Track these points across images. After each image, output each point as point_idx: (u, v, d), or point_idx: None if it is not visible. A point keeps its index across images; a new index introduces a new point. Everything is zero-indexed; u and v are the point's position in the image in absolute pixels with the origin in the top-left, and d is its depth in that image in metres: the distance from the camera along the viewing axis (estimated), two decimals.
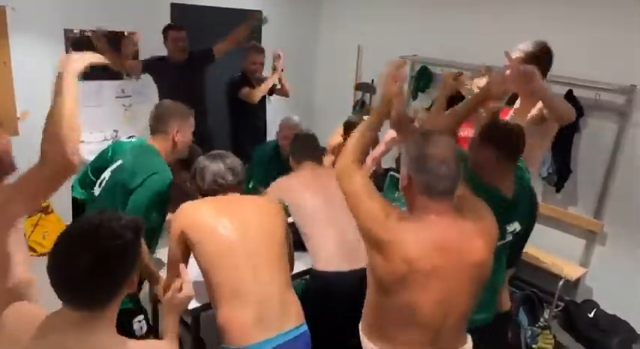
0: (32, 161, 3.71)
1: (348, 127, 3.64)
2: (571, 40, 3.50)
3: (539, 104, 2.27)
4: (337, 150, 3.66)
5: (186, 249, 1.86)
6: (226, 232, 1.84)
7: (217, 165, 1.99)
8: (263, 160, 3.47)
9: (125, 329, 1.55)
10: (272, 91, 4.23)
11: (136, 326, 2.06)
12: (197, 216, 1.87)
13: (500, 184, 1.90)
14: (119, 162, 2.19)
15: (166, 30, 3.83)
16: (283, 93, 4.27)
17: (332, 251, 2.30)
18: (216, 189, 1.98)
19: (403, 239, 1.42)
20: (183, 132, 2.23)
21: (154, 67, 3.87)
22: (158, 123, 2.23)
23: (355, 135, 1.70)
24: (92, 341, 1.09)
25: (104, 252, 1.07)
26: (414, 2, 4.57)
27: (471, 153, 1.93)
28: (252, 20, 4.11)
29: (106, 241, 1.08)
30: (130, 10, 4.15)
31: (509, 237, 1.99)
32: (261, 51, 4.07)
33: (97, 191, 2.24)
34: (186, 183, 2.26)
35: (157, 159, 2.16)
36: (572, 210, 3.69)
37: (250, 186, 3.31)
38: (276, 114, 5.47)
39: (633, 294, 3.44)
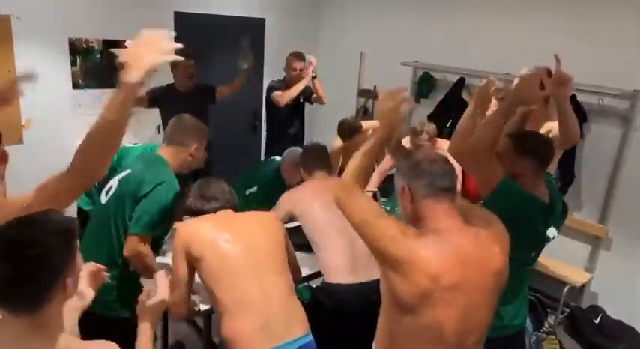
0: (37, 168, 3.75)
1: (342, 127, 3.68)
2: (574, 46, 3.51)
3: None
4: (338, 153, 3.68)
5: (190, 267, 1.88)
6: (227, 245, 1.87)
7: (219, 184, 2.10)
8: (265, 182, 3.32)
9: (131, 338, 1.55)
10: (309, 98, 4.23)
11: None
12: (197, 232, 1.91)
13: (537, 191, 1.91)
14: (128, 171, 2.21)
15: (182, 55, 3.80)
16: (319, 99, 4.24)
17: (343, 263, 2.29)
18: (217, 207, 2.05)
19: (425, 255, 1.37)
20: (201, 149, 2.31)
21: (159, 98, 3.81)
22: (178, 136, 2.26)
23: (355, 162, 1.64)
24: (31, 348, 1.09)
25: (19, 261, 1.05)
26: (416, 9, 4.59)
27: (505, 165, 1.89)
28: (246, 71, 4.04)
29: (21, 250, 1.06)
30: (134, 18, 4.17)
31: (546, 244, 2.04)
32: (301, 58, 4.08)
33: (103, 199, 2.24)
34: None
35: (164, 169, 2.19)
36: (576, 216, 3.68)
37: (247, 193, 3.23)
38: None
39: (639, 300, 3.42)
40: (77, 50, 3.98)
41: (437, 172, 1.45)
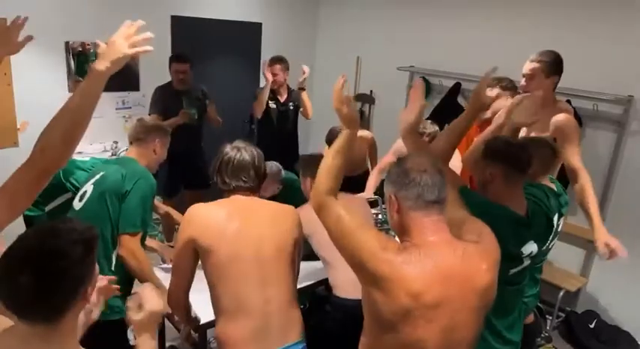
0: None
1: (332, 134, 3.68)
2: (569, 51, 3.52)
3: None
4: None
5: (195, 256, 1.79)
6: (239, 242, 1.76)
7: (243, 158, 1.88)
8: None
9: (121, 338, 1.54)
10: (297, 110, 4.23)
11: (130, 336, 2.06)
12: (209, 220, 1.78)
13: (509, 202, 1.79)
14: (101, 173, 2.29)
15: (170, 60, 3.90)
16: (304, 113, 4.23)
17: (351, 278, 2.26)
18: (238, 189, 1.88)
19: (406, 271, 1.30)
20: (163, 144, 2.47)
21: (160, 98, 3.90)
22: (139, 134, 2.43)
23: (325, 163, 1.60)
24: None
25: (46, 272, 1.02)
26: (412, 14, 4.61)
27: (474, 174, 1.87)
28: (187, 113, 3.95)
29: (48, 261, 1.03)
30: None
31: (527, 261, 1.87)
32: (275, 62, 4.05)
33: (77, 205, 2.28)
34: None
35: (138, 166, 2.33)
36: (571, 220, 3.68)
37: None
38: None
39: (634, 305, 3.43)
40: (73, 53, 3.97)
41: (426, 184, 1.36)
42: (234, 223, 1.78)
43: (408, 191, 1.37)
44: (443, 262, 1.33)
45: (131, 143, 2.44)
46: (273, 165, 3.15)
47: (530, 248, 1.83)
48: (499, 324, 1.82)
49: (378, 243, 1.36)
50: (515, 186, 1.83)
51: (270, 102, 4.07)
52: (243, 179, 1.86)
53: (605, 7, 3.37)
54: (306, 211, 2.31)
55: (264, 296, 1.76)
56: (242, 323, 1.74)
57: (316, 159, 2.63)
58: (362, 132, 3.81)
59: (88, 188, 2.27)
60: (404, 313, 1.31)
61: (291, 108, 4.17)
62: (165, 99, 3.86)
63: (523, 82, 2.53)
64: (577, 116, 3.47)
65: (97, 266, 1.16)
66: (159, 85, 3.99)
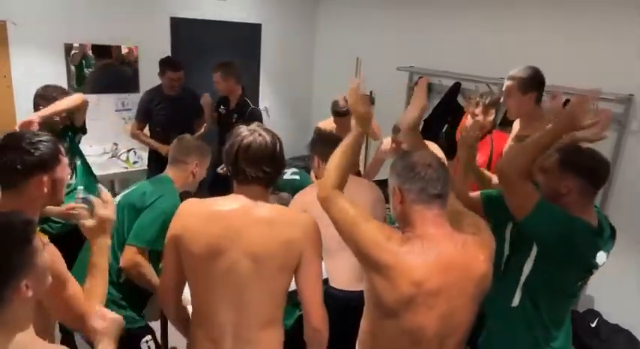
0: None
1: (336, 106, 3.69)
2: (569, 51, 3.53)
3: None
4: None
5: (178, 256, 1.57)
6: (216, 248, 1.51)
7: (261, 143, 1.56)
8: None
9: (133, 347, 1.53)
10: (244, 116, 3.87)
11: (143, 346, 2.06)
12: (193, 220, 1.55)
13: (584, 214, 1.73)
14: (132, 187, 2.33)
15: (163, 66, 3.80)
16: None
17: (347, 269, 2.25)
18: (249, 179, 1.55)
19: (409, 261, 1.37)
20: (202, 166, 2.41)
21: (149, 104, 3.89)
22: (179, 154, 2.38)
23: (335, 158, 1.63)
24: None
25: None
26: (412, 14, 4.61)
27: (549, 182, 1.76)
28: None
29: None
30: (130, 24, 4.19)
31: (594, 272, 1.84)
32: (215, 69, 3.89)
33: None
34: None
35: (168, 185, 2.29)
36: None
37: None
38: (273, 128, 5.51)
39: (635, 304, 3.42)
40: (73, 55, 3.97)
41: (430, 178, 1.42)
42: (218, 228, 1.51)
43: (413, 184, 1.43)
44: (444, 252, 1.40)
45: (169, 164, 2.39)
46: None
47: (602, 258, 1.80)
48: (557, 334, 1.83)
49: (382, 233, 1.42)
50: (589, 200, 1.76)
51: (220, 106, 4.01)
52: (265, 169, 1.53)
53: (605, 6, 3.37)
54: (307, 196, 2.26)
55: (227, 310, 1.54)
56: (200, 331, 1.59)
57: (324, 138, 2.60)
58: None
59: (118, 198, 2.28)
60: (406, 300, 1.39)
61: (234, 120, 3.83)
62: (154, 104, 3.85)
63: (502, 98, 2.60)
64: None
65: (40, 262, 1.12)
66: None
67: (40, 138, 1.52)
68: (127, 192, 2.32)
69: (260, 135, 1.57)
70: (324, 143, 2.45)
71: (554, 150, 1.77)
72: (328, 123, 3.69)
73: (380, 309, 1.46)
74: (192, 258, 1.54)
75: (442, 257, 1.39)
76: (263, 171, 1.53)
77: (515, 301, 1.82)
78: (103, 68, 4.19)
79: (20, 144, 1.48)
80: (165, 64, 3.82)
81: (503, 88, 2.57)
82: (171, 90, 3.85)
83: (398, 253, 1.38)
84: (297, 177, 3.23)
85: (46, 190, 1.50)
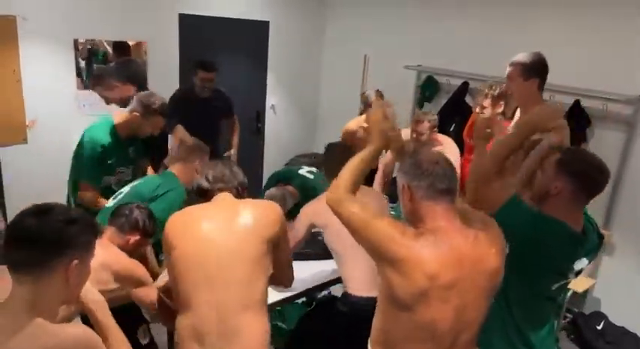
0: (40, 168, 3.76)
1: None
2: (578, 51, 3.51)
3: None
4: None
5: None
6: (198, 241, 1.73)
7: (223, 168, 1.96)
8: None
9: (129, 336, 1.56)
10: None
11: (140, 334, 2.10)
12: (178, 220, 1.81)
13: (566, 218, 1.68)
14: (141, 180, 2.56)
15: (196, 66, 3.82)
16: None
17: (364, 276, 2.23)
18: (217, 188, 1.91)
19: (423, 254, 1.40)
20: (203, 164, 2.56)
21: (178, 104, 3.82)
22: (182, 153, 2.67)
23: (351, 164, 1.65)
24: None
25: (46, 221, 1.22)
26: (420, 13, 4.59)
27: (540, 179, 1.74)
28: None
29: (53, 215, 1.23)
30: (139, 20, 4.20)
31: (572, 277, 1.81)
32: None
33: (109, 203, 2.47)
34: None
35: (176, 180, 2.53)
36: None
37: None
38: (280, 127, 5.53)
39: None
40: (82, 50, 3.99)
41: (438, 174, 1.46)
42: (202, 223, 1.78)
43: (421, 181, 1.47)
44: (457, 246, 1.43)
45: (174, 162, 2.66)
46: (272, 196, 3.01)
47: (581, 264, 1.77)
48: (533, 337, 1.78)
49: (395, 229, 1.45)
50: (578, 205, 1.71)
51: None
52: (223, 180, 1.92)
53: (614, 6, 3.35)
54: (321, 203, 2.20)
55: (209, 296, 1.68)
56: (185, 321, 1.71)
57: (335, 150, 2.59)
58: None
59: (125, 189, 2.49)
60: (420, 293, 1.41)
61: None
62: (185, 104, 3.83)
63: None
64: (586, 116, 3.46)
65: (90, 254, 1.29)
66: (162, 84, 3.96)
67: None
68: (135, 183, 2.51)
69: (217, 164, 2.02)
70: (333, 155, 2.47)
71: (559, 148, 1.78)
72: (357, 122, 3.62)
73: (394, 305, 1.49)
74: (176, 253, 1.75)
75: (455, 250, 1.42)
76: (222, 182, 1.95)
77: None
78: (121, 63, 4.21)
79: None
80: (198, 64, 3.81)
81: (505, 74, 2.53)
82: (203, 91, 3.83)
83: (412, 247, 1.41)
84: (311, 176, 3.23)
85: None
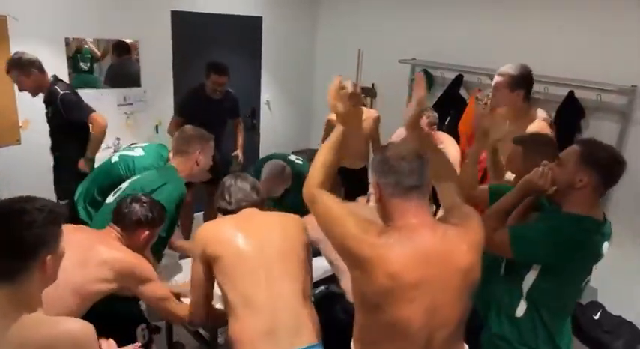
0: (33, 169, 3.75)
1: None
2: (572, 42, 3.51)
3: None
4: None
5: (208, 269, 1.85)
6: (243, 245, 1.84)
7: (243, 184, 2.06)
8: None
9: (128, 335, 1.56)
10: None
11: (139, 333, 2.09)
12: (217, 232, 1.90)
13: (591, 210, 1.71)
14: (138, 176, 2.45)
15: (209, 69, 3.81)
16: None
17: None
18: (241, 206, 2.01)
19: (385, 253, 1.36)
20: (205, 153, 2.51)
21: (188, 104, 3.92)
22: (180, 145, 2.50)
23: (318, 158, 1.65)
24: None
25: (9, 225, 1.22)
26: (414, 6, 4.58)
27: (559, 175, 1.73)
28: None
29: (16, 217, 1.23)
30: (131, 18, 4.18)
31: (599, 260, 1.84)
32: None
33: (109, 199, 2.41)
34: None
35: (174, 174, 2.42)
36: None
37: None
38: (275, 122, 5.52)
39: (637, 295, 3.43)
40: (73, 49, 3.96)
41: (403, 171, 1.41)
42: (240, 230, 1.88)
43: (388, 178, 1.43)
44: (422, 243, 1.38)
45: (173, 155, 2.54)
46: (278, 165, 3.05)
47: (605, 248, 1.79)
48: (558, 341, 1.79)
49: (360, 226, 1.41)
50: (598, 197, 1.74)
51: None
52: (245, 197, 2.02)
53: None
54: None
55: (271, 292, 1.78)
56: (250, 321, 1.74)
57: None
58: (368, 112, 3.80)
59: (124, 185, 2.41)
60: (385, 293, 1.37)
61: (49, 114, 3.49)
62: (196, 104, 3.85)
63: (492, 93, 2.62)
64: (580, 107, 3.46)
65: (59, 243, 1.29)
66: (156, 81, 3.96)
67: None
68: (134, 179, 2.44)
69: (238, 179, 2.11)
70: None
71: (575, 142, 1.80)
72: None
73: (364, 304, 1.47)
74: (225, 260, 1.83)
75: (420, 248, 1.38)
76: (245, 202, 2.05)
77: (520, 311, 1.78)
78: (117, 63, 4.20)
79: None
80: (211, 67, 3.80)
81: (492, 83, 2.59)
82: (214, 94, 3.84)
83: (374, 245, 1.37)
84: (300, 162, 3.28)
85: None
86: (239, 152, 4.15)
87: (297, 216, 2.03)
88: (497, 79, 2.55)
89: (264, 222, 1.95)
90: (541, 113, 2.66)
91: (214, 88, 3.83)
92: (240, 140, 4.20)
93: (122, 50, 4.22)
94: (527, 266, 1.75)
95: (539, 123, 2.56)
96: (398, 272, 1.34)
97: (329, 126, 3.98)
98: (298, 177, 3.17)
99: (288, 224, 1.97)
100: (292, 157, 3.35)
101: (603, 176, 1.67)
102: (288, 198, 3.09)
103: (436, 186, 1.69)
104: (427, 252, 1.38)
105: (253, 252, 1.83)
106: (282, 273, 1.82)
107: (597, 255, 1.77)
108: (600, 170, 1.66)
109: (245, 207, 2.01)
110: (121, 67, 4.26)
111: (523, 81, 2.54)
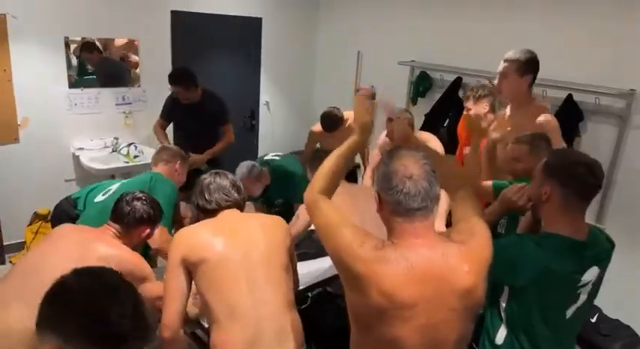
0: (32, 168, 3.74)
1: (324, 120, 3.73)
2: (570, 45, 3.52)
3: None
4: (314, 141, 3.96)
5: (187, 276, 1.75)
6: (224, 250, 1.76)
7: (223, 181, 1.97)
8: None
9: None
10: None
11: None
12: (195, 237, 1.80)
13: (565, 226, 1.57)
14: (130, 179, 2.66)
15: (169, 81, 3.75)
16: None
17: None
18: (222, 205, 1.92)
19: (379, 270, 1.27)
20: (183, 166, 2.87)
21: (170, 108, 3.92)
22: (163, 155, 2.81)
23: (326, 164, 1.60)
24: None
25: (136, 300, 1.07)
26: (413, 9, 4.59)
27: (531, 188, 1.66)
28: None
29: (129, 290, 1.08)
30: (131, 17, 4.17)
31: (584, 297, 1.64)
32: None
33: (98, 198, 2.50)
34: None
35: (161, 176, 2.65)
36: None
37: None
38: (274, 124, 5.51)
39: (635, 298, 3.43)
40: (73, 49, 3.96)
41: (408, 192, 1.30)
42: (221, 235, 1.81)
43: (390, 196, 1.33)
44: (419, 262, 1.29)
45: (154, 165, 2.78)
46: (244, 166, 3.17)
47: (592, 274, 1.61)
48: None
49: (355, 239, 1.33)
50: (572, 210, 1.57)
51: None
52: (226, 199, 1.94)
53: (606, 1, 3.35)
54: None
55: (254, 298, 1.73)
56: (234, 329, 1.69)
57: (319, 154, 2.65)
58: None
59: (114, 186, 2.56)
60: (378, 312, 1.30)
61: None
62: (174, 108, 3.87)
63: (497, 80, 2.58)
64: (578, 110, 3.47)
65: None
66: (155, 80, 3.98)
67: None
68: (125, 181, 2.62)
69: (217, 176, 2.04)
70: (318, 159, 2.46)
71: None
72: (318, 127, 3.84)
73: (357, 321, 1.41)
74: (206, 266, 1.77)
75: (416, 267, 1.28)
76: (225, 201, 1.99)
77: (500, 338, 1.65)
78: (102, 62, 4.17)
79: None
80: (168, 78, 3.75)
81: (499, 70, 2.55)
82: (184, 101, 3.78)
83: (368, 261, 1.29)
84: (277, 157, 3.49)
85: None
86: (203, 156, 3.76)
87: (280, 219, 1.97)
88: (504, 64, 2.48)
89: (246, 226, 1.87)
90: (542, 103, 2.65)
91: (179, 97, 3.75)
92: (216, 146, 3.87)
93: (88, 49, 4.05)
94: (501, 286, 1.64)
95: (547, 116, 2.48)
96: (391, 292, 1.27)
97: (311, 138, 4.04)
98: (278, 171, 3.36)
99: (271, 227, 1.89)
100: (269, 156, 3.55)
101: (567, 184, 1.54)
102: (272, 192, 3.23)
103: (448, 196, 1.64)
104: (423, 271, 1.29)
105: (236, 259, 1.75)
106: (265, 279, 1.76)
107: (571, 280, 1.58)
108: (561, 178, 1.54)
109: (227, 206, 1.93)
110: (106, 66, 4.21)
111: (532, 64, 2.49)
